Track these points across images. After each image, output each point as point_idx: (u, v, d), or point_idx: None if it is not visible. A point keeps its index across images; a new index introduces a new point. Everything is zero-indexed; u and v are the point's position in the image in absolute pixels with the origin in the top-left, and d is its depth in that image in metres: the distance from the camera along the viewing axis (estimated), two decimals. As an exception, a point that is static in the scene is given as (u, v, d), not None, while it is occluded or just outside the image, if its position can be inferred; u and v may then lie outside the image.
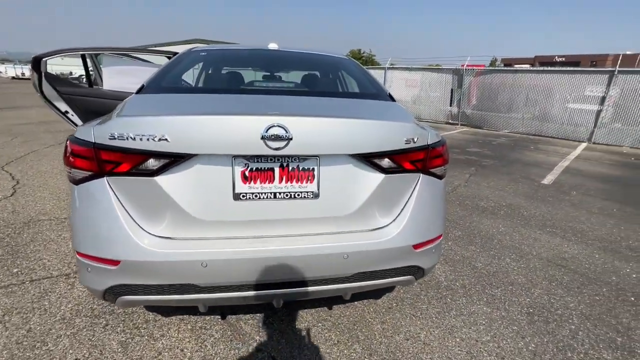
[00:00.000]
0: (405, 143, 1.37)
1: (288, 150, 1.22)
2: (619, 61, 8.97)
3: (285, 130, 1.20)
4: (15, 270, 2.20)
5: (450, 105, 12.13)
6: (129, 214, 1.23)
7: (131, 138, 1.16)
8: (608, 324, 1.96)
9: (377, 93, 1.89)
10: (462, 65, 11.20)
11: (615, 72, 8.71)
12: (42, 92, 2.83)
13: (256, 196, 1.28)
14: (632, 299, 2.24)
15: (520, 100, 10.51)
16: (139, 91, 1.60)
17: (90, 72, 3.37)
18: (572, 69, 9.63)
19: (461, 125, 11.78)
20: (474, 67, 11.20)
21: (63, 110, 3.01)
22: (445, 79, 11.99)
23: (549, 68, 10.38)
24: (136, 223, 1.23)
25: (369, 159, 1.34)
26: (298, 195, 1.32)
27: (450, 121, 12.16)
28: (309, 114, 1.29)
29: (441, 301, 2.11)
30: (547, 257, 2.74)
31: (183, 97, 1.51)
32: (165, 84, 1.70)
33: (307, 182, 1.32)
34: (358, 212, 1.39)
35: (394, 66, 13.41)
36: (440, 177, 1.56)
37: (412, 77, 12.99)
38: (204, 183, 1.24)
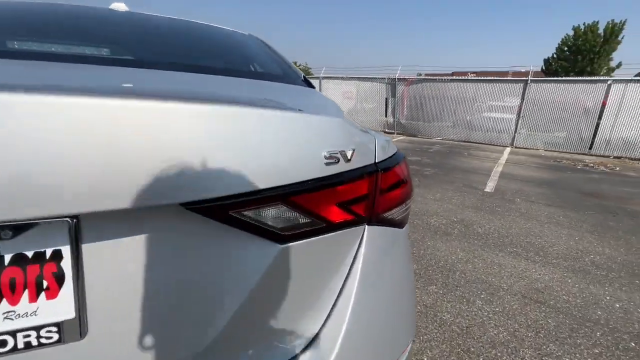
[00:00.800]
0: (328, 163, 0.58)
1: None
2: (530, 73, 9.72)
3: None
4: None
5: (386, 115, 12.15)
6: None
7: None
8: (630, 402, 1.39)
9: (282, 74, 1.09)
10: (395, 76, 11.28)
11: (529, 82, 9.40)
12: None
13: None
14: (633, 344, 1.75)
15: (449, 109, 10.86)
16: None
17: None
18: (492, 78, 10.22)
19: (397, 134, 11.81)
20: (406, 78, 11.36)
21: None
22: (379, 88, 11.98)
23: (474, 78, 10.95)
24: None
25: (234, 212, 0.51)
26: (3, 343, 0.42)
27: (386, 130, 12.14)
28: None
29: (407, 401, 1.34)
30: (520, 292, 2.20)
31: None
32: None
33: (32, 299, 0.43)
34: (225, 343, 0.55)
35: (329, 76, 13.10)
36: (400, 224, 0.80)
37: (348, 88, 12.78)
38: None
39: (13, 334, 0.42)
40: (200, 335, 0.53)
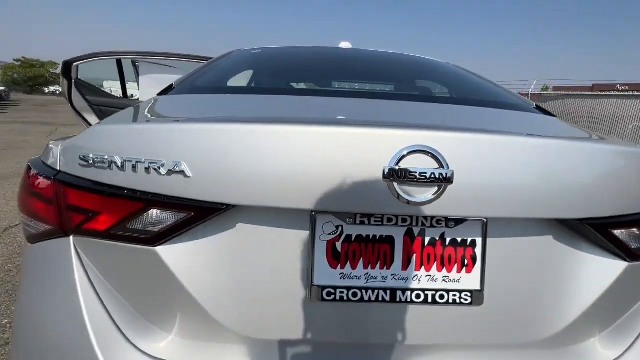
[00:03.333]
0: None
1: (439, 205, 0.55)
2: None
3: (440, 162, 0.53)
4: None
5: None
6: (108, 314, 0.61)
7: (116, 166, 0.57)
8: None
9: (518, 103, 1.20)
10: (529, 91, 10.14)
11: None
12: (71, 103, 2.47)
13: (355, 295, 0.61)
14: None
15: (602, 128, 9.12)
16: (164, 92, 1.07)
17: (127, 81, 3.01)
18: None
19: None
20: (541, 94, 10.08)
21: (94, 124, 2.59)
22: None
23: (633, 93, 8.97)
24: (121, 333, 0.61)
25: (593, 229, 0.63)
26: (441, 297, 0.62)
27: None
28: (479, 129, 0.63)
29: None
30: None
31: (227, 99, 0.94)
32: (201, 83, 1.15)
33: (458, 270, 0.62)
34: (562, 337, 0.66)
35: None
36: None
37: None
38: (249, 264, 0.60)
39: (444, 291, 0.62)
40: (551, 321, 0.65)
